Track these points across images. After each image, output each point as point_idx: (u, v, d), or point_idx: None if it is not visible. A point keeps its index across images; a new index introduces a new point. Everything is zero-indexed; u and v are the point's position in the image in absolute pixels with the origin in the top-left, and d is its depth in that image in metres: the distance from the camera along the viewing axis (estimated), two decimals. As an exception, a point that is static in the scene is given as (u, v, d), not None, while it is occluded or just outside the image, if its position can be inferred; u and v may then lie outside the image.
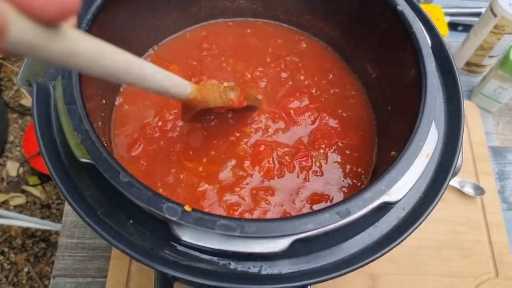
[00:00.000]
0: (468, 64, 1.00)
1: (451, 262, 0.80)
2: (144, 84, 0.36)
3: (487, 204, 0.85)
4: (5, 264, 1.57)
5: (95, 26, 0.47)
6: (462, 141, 0.48)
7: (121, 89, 0.60)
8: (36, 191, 1.69)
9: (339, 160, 0.58)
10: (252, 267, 0.41)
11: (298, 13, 0.65)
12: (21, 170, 1.73)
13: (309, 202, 0.54)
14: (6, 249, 1.60)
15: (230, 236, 0.38)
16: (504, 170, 0.92)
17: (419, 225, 0.44)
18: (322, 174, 0.57)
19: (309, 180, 0.56)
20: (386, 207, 0.43)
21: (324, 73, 0.64)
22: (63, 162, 0.44)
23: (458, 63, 1.01)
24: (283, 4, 0.64)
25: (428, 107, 0.45)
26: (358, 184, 0.56)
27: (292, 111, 0.60)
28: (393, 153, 0.49)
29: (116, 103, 0.59)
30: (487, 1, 1.09)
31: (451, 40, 1.05)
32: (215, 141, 0.57)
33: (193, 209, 0.38)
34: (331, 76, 0.64)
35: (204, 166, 0.55)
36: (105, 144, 0.46)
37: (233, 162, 0.56)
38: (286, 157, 0.57)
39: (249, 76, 0.63)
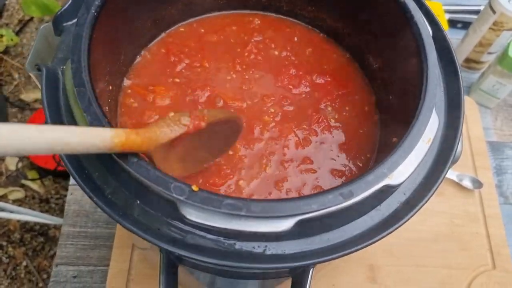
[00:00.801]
0: (467, 60, 1.02)
1: (449, 254, 0.81)
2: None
3: (485, 198, 0.87)
4: (3, 258, 1.58)
5: (103, 11, 0.48)
6: (462, 128, 0.49)
7: (129, 71, 0.61)
8: (35, 186, 1.70)
9: (347, 109, 0.61)
10: (257, 247, 0.42)
11: (301, 5, 0.66)
12: (20, 164, 1.73)
13: (343, 151, 0.58)
14: (4, 243, 1.61)
15: (236, 216, 0.39)
16: (502, 165, 0.93)
17: (419, 209, 0.45)
18: (340, 127, 0.60)
19: (334, 137, 0.59)
20: (387, 190, 0.43)
21: (323, 63, 0.65)
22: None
23: (458, 60, 1.02)
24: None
25: (429, 94, 0.46)
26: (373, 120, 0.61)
27: (290, 88, 0.62)
28: (394, 139, 0.50)
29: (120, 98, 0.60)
30: (486, -1, 1.11)
31: (451, 37, 1.05)
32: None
33: (200, 189, 0.39)
34: (331, 66, 0.65)
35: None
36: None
37: (269, 150, 0.57)
38: (304, 126, 0.59)
39: (258, 58, 0.64)
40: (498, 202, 0.86)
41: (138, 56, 0.62)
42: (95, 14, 0.48)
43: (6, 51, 1.91)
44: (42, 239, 1.63)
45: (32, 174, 1.72)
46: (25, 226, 1.64)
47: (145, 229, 0.41)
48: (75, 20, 0.51)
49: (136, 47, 0.61)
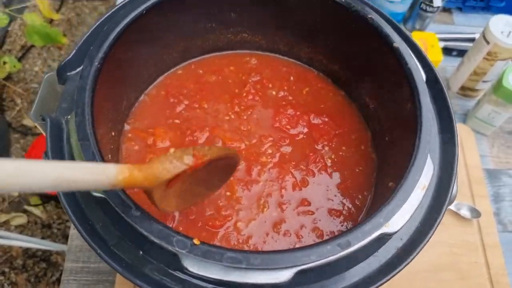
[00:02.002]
0: (463, 88, 1.03)
1: (448, 284, 0.81)
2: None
3: (483, 226, 0.87)
4: (5, 285, 1.57)
5: (106, 62, 0.50)
6: (456, 173, 0.50)
7: (129, 115, 0.62)
8: (37, 211, 1.70)
9: (344, 148, 0.63)
10: (257, 298, 0.43)
11: (298, 46, 0.68)
12: (22, 190, 1.74)
13: (340, 191, 0.59)
14: (7, 269, 1.61)
15: (236, 268, 0.40)
16: (499, 192, 0.94)
17: (417, 254, 0.46)
18: (337, 168, 0.61)
19: (332, 177, 0.60)
20: (384, 238, 0.44)
21: (320, 103, 0.67)
22: (75, 194, 0.46)
23: (453, 87, 1.04)
24: (284, 38, 0.67)
25: (423, 141, 0.47)
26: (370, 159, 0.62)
27: (288, 128, 0.64)
28: (390, 183, 0.51)
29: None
30: (480, 27, 1.13)
31: (446, 65, 1.08)
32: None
33: (202, 242, 0.40)
34: (328, 105, 0.67)
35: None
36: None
37: (266, 191, 0.58)
38: (302, 167, 0.60)
39: (256, 98, 0.66)
40: (497, 230, 0.87)
41: (137, 100, 0.64)
42: (99, 66, 0.49)
43: (8, 77, 1.93)
44: (45, 265, 1.63)
45: (34, 199, 1.72)
46: (28, 252, 1.64)
47: (149, 281, 0.42)
48: (79, 69, 0.53)
49: (137, 92, 0.63)
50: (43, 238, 1.65)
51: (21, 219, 1.70)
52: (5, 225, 1.65)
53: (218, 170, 0.51)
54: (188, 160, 0.43)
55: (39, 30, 1.37)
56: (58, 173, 0.33)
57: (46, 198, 1.71)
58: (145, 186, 0.40)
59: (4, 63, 1.79)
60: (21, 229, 1.67)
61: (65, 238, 1.65)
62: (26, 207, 1.71)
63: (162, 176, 0.41)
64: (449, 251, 0.85)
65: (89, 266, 0.80)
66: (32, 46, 2.04)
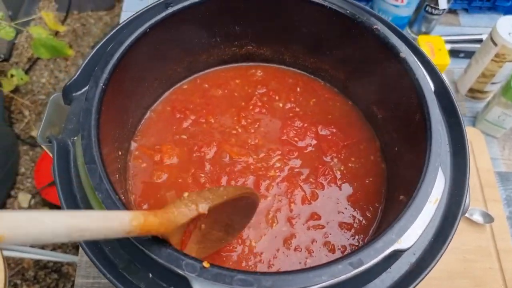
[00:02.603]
0: (471, 90, 1.02)
1: (463, 292, 0.80)
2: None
3: (497, 231, 0.86)
4: (18, 297, 1.58)
5: (111, 83, 0.50)
6: (469, 184, 0.49)
7: (136, 132, 0.62)
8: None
9: (353, 159, 0.62)
10: (269, 319, 0.42)
11: (303, 56, 0.67)
12: (32, 201, 1.75)
13: (350, 203, 0.59)
14: (18, 281, 1.61)
15: (247, 290, 0.40)
16: (512, 195, 0.92)
17: (431, 269, 0.45)
18: (347, 179, 0.60)
19: (341, 189, 0.59)
20: (397, 254, 0.44)
21: (328, 113, 0.66)
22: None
23: (461, 90, 1.03)
24: (289, 49, 0.67)
25: (433, 154, 0.46)
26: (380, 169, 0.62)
27: (296, 141, 0.63)
28: (401, 197, 0.50)
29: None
30: (487, 27, 1.11)
31: (454, 67, 1.07)
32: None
33: (211, 265, 0.39)
34: (336, 115, 0.66)
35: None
36: (123, 197, 0.48)
37: (275, 206, 0.58)
38: (311, 180, 0.59)
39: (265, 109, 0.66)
40: (510, 235, 0.86)
41: (143, 117, 0.63)
42: (103, 87, 0.49)
43: (16, 90, 1.95)
44: (56, 276, 1.64)
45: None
46: (39, 264, 1.64)
47: (159, 305, 0.42)
48: (84, 89, 0.53)
49: (142, 108, 0.63)
50: (54, 249, 1.66)
51: (32, 231, 1.70)
52: (16, 237, 1.66)
53: (238, 211, 0.50)
54: (204, 211, 0.42)
55: (45, 43, 1.39)
56: (71, 224, 0.32)
57: (56, 209, 1.72)
58: (161, 232, 0.39)
59: (12, 76, 1.81)
60: (32, 240, 1.68)
61: (75, 248, 1.66)
62: (36, 218, 1.72)
63: (178, 220, 0.40)
64: (463, 258, 0.84)
65: (100, 282, 0.80)
66: (39, 58, 2.06)
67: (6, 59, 2.03)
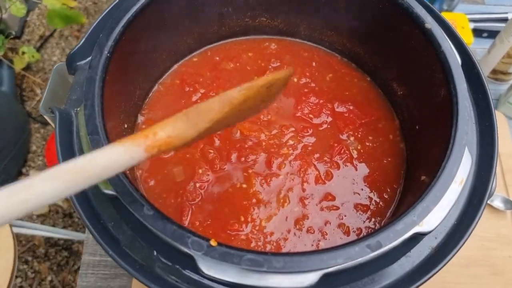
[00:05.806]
0: (495, 72, 0.97)
1: (481, 280, 0.77)
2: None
3: (518, 218, 0.82)
4: (29, 273, 1.60)
5: (116, 51, 0.47)
6: (496, 164, 0.46)
7: (143, 105, 0.60)
8: (58, 200, 1.71)
9: (370, 138, 0.59)
10: (280, 302, 0.40)
11: (320, 29, 0.63)
12: (43, 179, 1.75)
13: (367, 184, 0.56)
14: (29, 258, 1.62)
15: (256, 271, 0.37)
16: (535, 182, 0.88)
17: (454, 255, 0.42)
18: (363, 159, 0.57)
19: (358, 169, 0.56)
20: (417, 237, 0.41)
21: (344, 90, 0.63)
22: (86, 192, 0.44)
23: (484, 71, 0.98)
24: (305, 21, 0.63)
25: (460, 132, 0.43)
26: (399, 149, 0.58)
27: (311, 117, 0.60)
28: (423, 177, 0.47)
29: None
30: (513, 5, 1.06)
31: (476, 47, 1.02)
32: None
33: (219, 243, 0.37)
34: (353, 92, 0.63)
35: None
36: (128, 171, 0.46)
37: (287, 185, 0.55)
38: (326, 159, 0.56)
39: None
40: (532, 222, 0.82)
41: (151, 90, 0.61)
42: (108, 55, 0.46)
43: (28, 67, 1.94)
44: (66, 253, 1.65)
45: (55, 189, 1.73)
46: (50, 241, 1.65)
47: (163, 284, 0.39)
48: (89, 58, 0.50)
49: (150, 81, 0.60)
50: (64, 227, 1.67)
51: (42, 209, 1.71)
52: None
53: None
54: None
55: (60, 13, 1.40)
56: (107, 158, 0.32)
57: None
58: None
59: (23, 53, 1.79)
60: (43, 218, 1.69)
61: (85, 227, 1.66)
62: (47, 196, 1.72)
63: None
64: (481, 245, 0.80)
65: (107, 260, 0.79)
66: (51, 35, 2.04)
67: (18, 37, 2.02)
